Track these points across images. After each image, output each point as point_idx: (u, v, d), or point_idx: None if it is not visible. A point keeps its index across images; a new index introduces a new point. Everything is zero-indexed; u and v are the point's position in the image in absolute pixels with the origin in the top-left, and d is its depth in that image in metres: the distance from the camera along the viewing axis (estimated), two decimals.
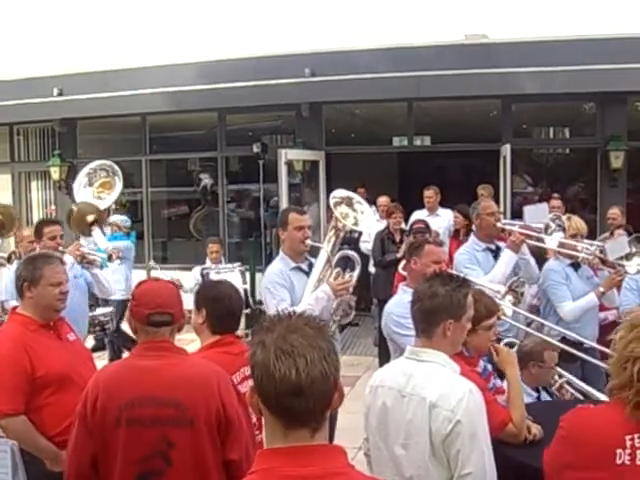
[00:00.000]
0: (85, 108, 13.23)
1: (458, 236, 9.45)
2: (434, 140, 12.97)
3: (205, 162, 14.31)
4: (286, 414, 1.99)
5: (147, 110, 13.31)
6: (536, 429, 3.82)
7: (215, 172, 13.71)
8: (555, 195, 11.16)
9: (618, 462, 2.63)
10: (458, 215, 9.69)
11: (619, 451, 2.63)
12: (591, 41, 11.34)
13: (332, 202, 5.76)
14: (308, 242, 5.51)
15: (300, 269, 5.53)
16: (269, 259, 12.06)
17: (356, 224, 5.86)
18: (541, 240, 6.24)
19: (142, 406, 3.16)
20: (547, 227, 6.18)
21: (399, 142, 13.18)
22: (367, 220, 6.03)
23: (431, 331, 3.29)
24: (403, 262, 6.11)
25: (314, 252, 5.68)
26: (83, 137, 14.61)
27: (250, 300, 9.67)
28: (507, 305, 5.41)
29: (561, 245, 6.22)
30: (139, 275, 11.25)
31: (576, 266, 6.26)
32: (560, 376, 5.23)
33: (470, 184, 11.46)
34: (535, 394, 5.05)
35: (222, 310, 4.01)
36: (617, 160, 11.41)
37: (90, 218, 7.32)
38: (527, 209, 6.42)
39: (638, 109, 12.62)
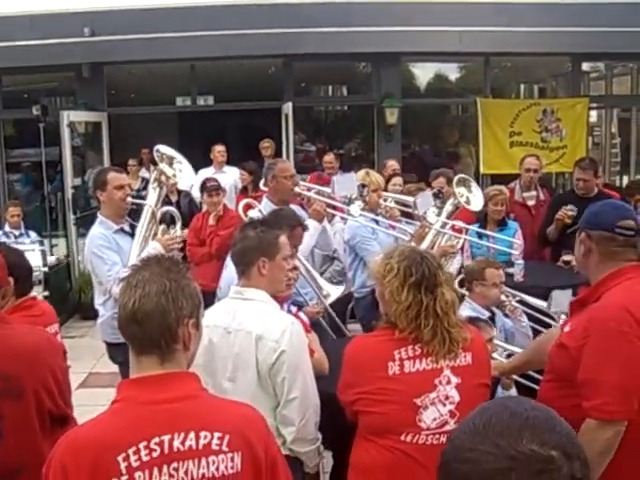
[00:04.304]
0: None
1: (246, 192, 9.54)
2: (217, 99, 13.11)
3: None
4: (131, 340, 2.26)
5: None
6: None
7: None
8: (333, 151, 11.76)
9: (390, 373, 3.11)
10: (244, 172, 9.90)
11: (390, 364, 3.11)
12: (366, 4, 11.90)
13: (156, 156, 5.72)
14: (129, 200, 5.44)
15: (123, 230, 5.46)
16: (55, 224, 11.83)
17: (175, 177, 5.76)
18: (341, 208, 6.26)
19: None
20: (351, 196, 6.18)
21: (182, 102, 13.21)
22: (186, 178, 6.04)
23: (248, 271, 3.55)
24: None
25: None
26: None
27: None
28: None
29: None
30: None
31: (376, 220, 6.42)
32: (507, 296, 5.38)
33: (252, 142, 11.77)
34: (487, 313, 5.07)
35: (19, 274, 3.88)
36: (392, 116, 12.14)
37: None
38: (336, 179, 6.35)
39: (410, 69, 13.41)
